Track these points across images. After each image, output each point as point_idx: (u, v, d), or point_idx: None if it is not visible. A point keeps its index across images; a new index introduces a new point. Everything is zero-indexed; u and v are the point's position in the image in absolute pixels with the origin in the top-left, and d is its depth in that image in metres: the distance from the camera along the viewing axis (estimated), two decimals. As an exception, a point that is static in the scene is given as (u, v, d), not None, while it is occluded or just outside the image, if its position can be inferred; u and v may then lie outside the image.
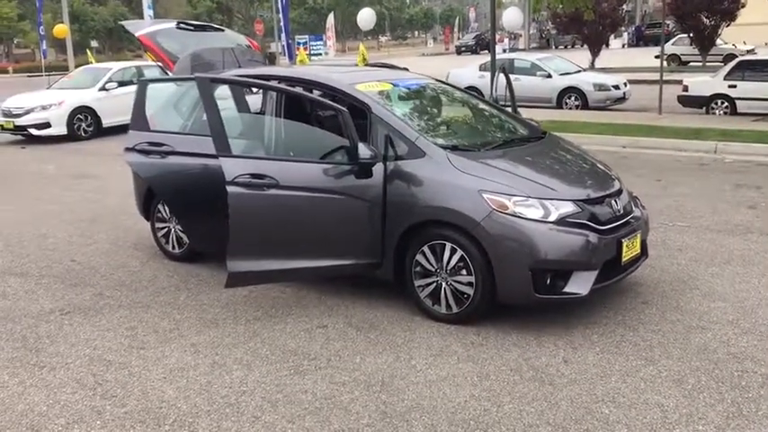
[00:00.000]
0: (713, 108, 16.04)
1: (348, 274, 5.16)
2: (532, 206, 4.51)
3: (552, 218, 4.50)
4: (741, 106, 15.59)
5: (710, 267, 5.79)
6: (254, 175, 4.58)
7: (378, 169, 4.79)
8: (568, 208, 4.57)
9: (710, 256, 6.07)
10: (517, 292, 4.53)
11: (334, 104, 4.84)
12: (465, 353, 4.31)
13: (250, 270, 4.67)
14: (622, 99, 17.97)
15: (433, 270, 4.75)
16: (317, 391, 3.90)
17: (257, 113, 5.78)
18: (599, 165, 5.35)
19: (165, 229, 6.31)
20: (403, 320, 4.82)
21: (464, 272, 4.61)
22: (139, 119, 5.80)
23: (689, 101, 16.47)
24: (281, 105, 5.39)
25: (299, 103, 5.89)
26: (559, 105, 17.57)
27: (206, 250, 5.99)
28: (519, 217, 4.47)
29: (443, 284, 4.72)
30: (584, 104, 17.58)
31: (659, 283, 5.43)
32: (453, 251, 4.62)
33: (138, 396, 3.91)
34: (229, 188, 4.53)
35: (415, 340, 4.51)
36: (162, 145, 5.65)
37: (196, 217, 5.58)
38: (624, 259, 4.77)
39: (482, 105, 6.16)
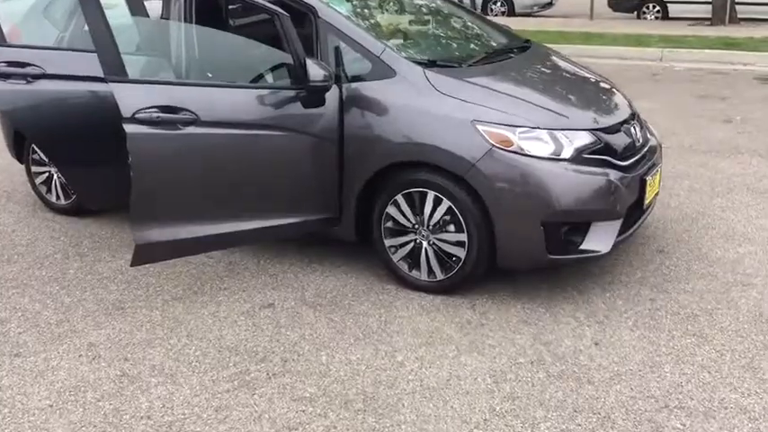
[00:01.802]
0: (644, 12, 15.33)
1: (296, 236, 3.98)
2: (541, 139, 3.42)
3: (566, 154, 3.43)
4: (673, 10, 14.96)
5: (715, 198, 4.93)
6: (163, 108, 3.26)
7: (332, 95, 3.57)
8: (584, 140, 3.51)
9: (709, 183, 5.22)
10: (525, 254, 3.49)
11: (270, 5, 3.52)
12: (463, 338, 3.27)
13: (165, 239, 3.41)
14: (549, 5, 17.04)
15: (411, 226, 3.64)
16: (276, 415, 2.78)
17: (160, 20, 4.32)
18: (605, 81, 4.29)
19: (46, 175, 4.88)
20: (372, 292, 3.72)
21: (452, 228, 3.53)
22: (-8, 29, 4.25)
23: (619, 5, 15.72)
24: (192, 8, 4.00)
25: (217, 6, 4.49)
26: (485, 12, 16.39)
27: (99, 208, 4.63)
28: (526, 155, 3.37)
29: (424, 244, 3.63)
30: (511, 11, 16.54)
31: (667, 223, 4.52)
32: (438, 201, 3.52)
33: (12, 443, 2.69)
34: (129, 127, 3.19)
35: (394, 322, 3.43)
36: (27, 65, 4.14)
37: (82, 165, 4.17)
38: (647, 201, 3.79)
39: (446, 6, 4.92)
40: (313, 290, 3.76)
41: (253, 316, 3.51)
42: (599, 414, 2.71)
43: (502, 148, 3.36)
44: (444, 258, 3.60)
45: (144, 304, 3.65)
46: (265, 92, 3.54)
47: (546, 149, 3.41)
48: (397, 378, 2.98)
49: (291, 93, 3.54)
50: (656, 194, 4.05)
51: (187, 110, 3.27)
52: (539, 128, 3.43)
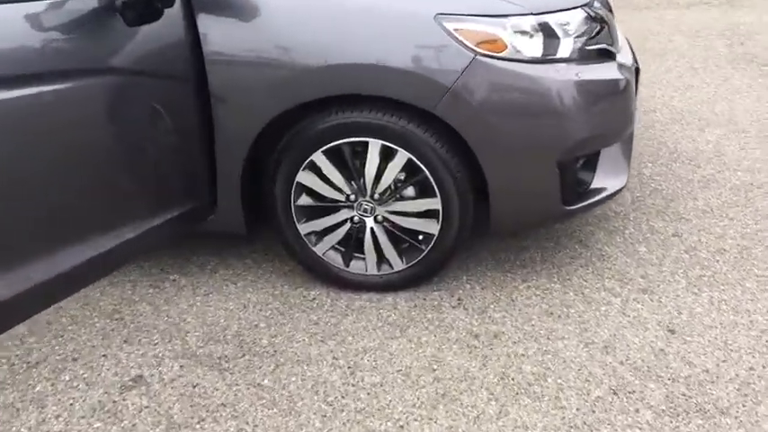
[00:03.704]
0: None
1: (148, 252, 2.38)
2: (534, 33, 2.16)
3: (568, 50, 2.22)
4: None
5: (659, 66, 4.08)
6: None
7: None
8: (581, 23, 2.30)
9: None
10: (533, 211, 2.30)
11: None
12: (487, 372, 2.05)
13: None
14: None
15: (342, 199, 2.26)
16: None
17: None
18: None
19: None
20: (294, 311, 2.32)
21: (412, 191, 2.23)
22: None
23: None
24: None
25: None
26: None
27: None
28: (522, 61, 2.10)
29: (368, 222, 2.29)
30: None
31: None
32: (387, 155, 2.16)
33: None
34: None
35: (362, 363, 2.10)
36: None
37: None
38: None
39: None
40: (198, 330, 2.26)
41: (115, 416, 1.96)
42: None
43: (489, 55, 2.05)
44: (402, 238, 2.31)
45: None
46: (47, 3, 1.80)
47: (539, 47, 2.16)
48: (438, 492, 1.71)
49: (95, 1, 1.86)
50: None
51: None
52: (531, 14, 2.15)
